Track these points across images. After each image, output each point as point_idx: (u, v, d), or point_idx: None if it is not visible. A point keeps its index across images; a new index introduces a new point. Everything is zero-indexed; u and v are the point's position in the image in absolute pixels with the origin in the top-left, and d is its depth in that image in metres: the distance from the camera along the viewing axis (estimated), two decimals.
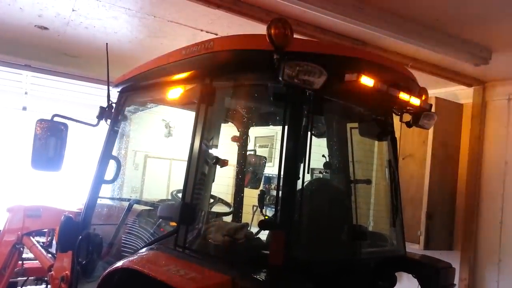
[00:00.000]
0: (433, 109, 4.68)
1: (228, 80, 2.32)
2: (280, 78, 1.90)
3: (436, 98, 4.80)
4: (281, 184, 1.97)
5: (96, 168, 3.14)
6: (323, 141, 3.19)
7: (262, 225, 1.97)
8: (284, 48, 1.93)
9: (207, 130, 2.28)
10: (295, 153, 2.04)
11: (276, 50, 1.92)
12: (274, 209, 1.97)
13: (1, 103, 7.14)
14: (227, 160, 2.25)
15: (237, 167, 3.66)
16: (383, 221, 2.70)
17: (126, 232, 2.79)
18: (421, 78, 4.83)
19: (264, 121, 3.47)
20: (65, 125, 3.10)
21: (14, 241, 4.14)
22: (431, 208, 4.76)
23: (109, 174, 3.18)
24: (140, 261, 2.07)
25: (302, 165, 2.06)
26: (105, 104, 3.22)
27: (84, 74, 6.06)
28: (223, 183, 2.97)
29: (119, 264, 2.13)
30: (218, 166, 2.35)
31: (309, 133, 2.12)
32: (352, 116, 2.85)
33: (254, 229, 2.29)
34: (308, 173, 2.10)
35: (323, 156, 3.14)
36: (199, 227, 2.18)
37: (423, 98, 2.73)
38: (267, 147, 8.53)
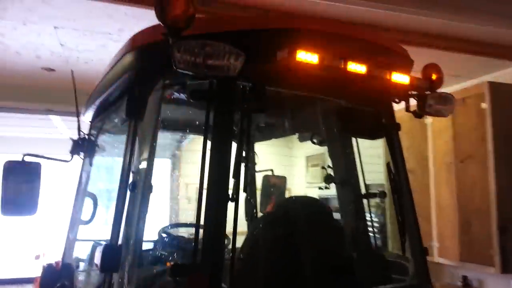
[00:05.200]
0: (487, 96, 3.89)
1: (151, 83, 1.86)
2: (175, 68, 1.41)
3: (490, 83, 3.89)
4: (202, 210, 1.45)
5: (72, 209, 2.85)
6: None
7: (175, 272, 1.44)
8: (181, 30, 1.44)
9: (134, 150, 1.83)
10: (220, 167, 1.51)
11: (171, 35, 1.44)
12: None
13: (50, 151, 7.34)
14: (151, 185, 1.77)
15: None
16: (391, 245, 2.01)
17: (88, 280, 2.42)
18: (468, 62, 4.02)
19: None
20: (38, 164, 2.87)
21: None
22: (504, 219, 3.79)
23: (87, 213, 2.88)
24: None
25: (235, 181, 1.52)
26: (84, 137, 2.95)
27: None
28: None
29: None
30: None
31: (245, 138, 1.59)
32: (338, 113, 2.22)
33: None
34: (244, 191, 1.55)
35: (323, 167, 2.55)
36: (125, 274, 1.71)
37: (434, 77, 2.06)
38: (318, 166, 7.85)
